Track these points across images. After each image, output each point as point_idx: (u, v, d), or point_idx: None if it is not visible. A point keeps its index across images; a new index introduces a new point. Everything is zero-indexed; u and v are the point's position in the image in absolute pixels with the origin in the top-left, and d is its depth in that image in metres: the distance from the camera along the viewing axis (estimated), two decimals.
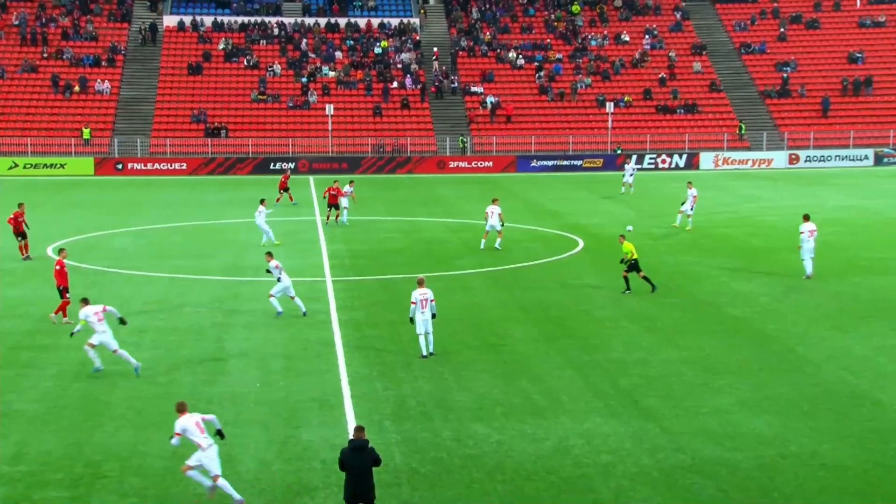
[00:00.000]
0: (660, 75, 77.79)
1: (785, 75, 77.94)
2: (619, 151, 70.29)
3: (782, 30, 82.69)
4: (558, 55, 79.55)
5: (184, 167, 67.80)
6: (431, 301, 22.45)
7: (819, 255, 31.58)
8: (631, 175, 55.79)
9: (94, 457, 17.00)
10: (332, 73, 76.58)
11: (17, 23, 77.67)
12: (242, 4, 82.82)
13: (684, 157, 71.29)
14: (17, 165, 66.58)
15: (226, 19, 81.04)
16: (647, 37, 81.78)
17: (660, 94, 76.41)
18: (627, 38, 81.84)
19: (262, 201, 39.26)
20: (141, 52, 77.70)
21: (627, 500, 15.44)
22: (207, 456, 15.10)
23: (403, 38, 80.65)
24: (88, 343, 21.43)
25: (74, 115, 70.91)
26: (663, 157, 70.89)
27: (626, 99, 75.38)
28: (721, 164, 71.18)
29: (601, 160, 70.18)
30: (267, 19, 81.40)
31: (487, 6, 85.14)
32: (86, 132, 68.87)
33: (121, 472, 16.38)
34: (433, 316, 22.49)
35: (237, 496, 15.09)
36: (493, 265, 33.94)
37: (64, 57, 75.39)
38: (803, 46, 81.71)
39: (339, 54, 78.62)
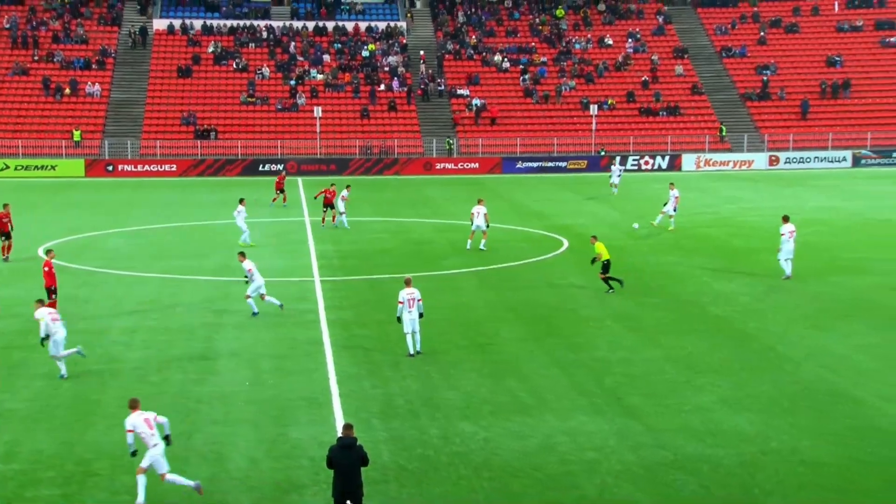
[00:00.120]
0: (643, 78, 78.26)
1: (765, 78, 78.61)
2: (602, 153, 70.80)
3: (762, 34, 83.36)
4: (543, 58, 79.92)
5: (174, 169, 67.84)
6: (419, 300, 22.67)
7: (799, 256, 31.92)
8: (618, 176, 56.24)
9: (85, 455, 17.10)
10: (320, 76, 76.73)
11: (7, 26, 77.61)
12: (231, 8, 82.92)
13: (667, 158, 71.80)
14: (8, 167, 66.65)
15: (215, 23, 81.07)
16: (630, 40, 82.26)
17: (643, 97, 76.88)
18: (611, 42, 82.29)
19: (241, 201, 39.41)
20: (131, 55, 77.67)
21: (611, 496, 15.61)
22: (154, 454, 15.21)
23: (390, 42, 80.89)
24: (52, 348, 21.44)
25: (65, 118, 70.85)
26: (646, 158, 71.40)
27: (609, 101, 75.81)
28: (703, 166, 71.74)
29: (585, 162, 70.71)
30: (256, 23, 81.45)
31: (473, 10, 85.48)
32: (76, 134, 68.82)
33: (112, 470, 16.49)
34: (420, 315, 22.71)
35: (192, 482, 15.24)
36: (479, 265, 34.20)
37: (55, 60, 75.32)
38: (783, 50, 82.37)
39: (326, 57, 78.78)
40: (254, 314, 26.61)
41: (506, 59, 79.32)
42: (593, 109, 72.82)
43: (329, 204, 43.19)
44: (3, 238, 35.10)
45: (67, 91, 72.64)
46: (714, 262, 34.62)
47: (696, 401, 19.85)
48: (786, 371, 21.83)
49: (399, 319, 22.75)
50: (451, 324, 25.84)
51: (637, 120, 75.40)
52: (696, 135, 74.17)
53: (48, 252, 27.87)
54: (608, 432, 18.13)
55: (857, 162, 72.91)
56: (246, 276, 27.03)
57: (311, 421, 18.80)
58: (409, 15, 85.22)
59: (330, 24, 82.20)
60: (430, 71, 78.18)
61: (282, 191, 51.19)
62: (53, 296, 26.30)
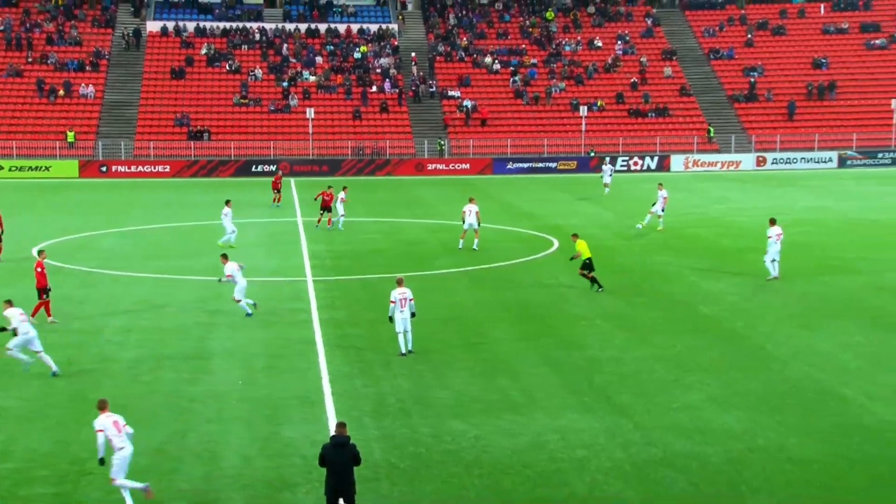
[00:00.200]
0: (632, 80, 78.56)
1: (752, 80, 79.05)
2: (592, 154, 71.12)
3: (749, 36, 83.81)
4: (533, 60, 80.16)
5: (167, 170, 67.97)
6: (410, 300, 22.80)
7: (787, 256, 32.13)
8: (610, 176, 56.52)
9: (79, 454, 17.13)
10: (312, 78, 76.84)
11: (1, 28, 77.63)
12: (224, 10, 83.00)
13: (655, 159, 72.13)
14: (2, 168, 66.79)
15: (208, 25, 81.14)
16: (619, 42, 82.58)
17: (632, 98, 77.20)
18: (600, 44, 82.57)
19: (227, 202, 39.47)
20: (125, 56, 77.74)
21: (601, 493, 15.73)
22: (120, 457, 15.14)
23: (382, 44, 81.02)
24: (8, 346, 21.47)
25: (59, 119, 70.92)
26: (635, 159, 71.72)
27: (599, 103, 76.08)
28: (691, 167, 72.12)
29: (575, 162, 71.05)
30: (248, 25, 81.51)
31: (464, 13, 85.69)
32: (70, 135, 68.85)
33: (106, 469, 16.54)
34: (412, 315, 22.83)
35: (140, 484, 15.21)
36: (471, 265, 34.34)
37: (48, 61, 75.35)
38: (770, 52, 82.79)
39: (319, 59, 78.90)
40: (247, 315, 26.73)
41: (496, 61, 79.54)
42: (583, 111, 73.14)
43: (327, 207, 42.91)
44: None
45: (61, 92, 72.67)
46: (703, 262, 34.82)
47: (685, 399, 19.99)
48: (773, 370, 21.97)
49: (391, 319, 22.87)
50: (442, 323, 25.93)
51: (626, 121, 75.69)
52: (685, 136, 74.53)
53: (40, 253, 27.93)
54: (598, 430, 18.24)
55: (842, 162, 73.41)
56: (221, 278, 27.17)
57: (303, 420, 18.89)
58: (400, 17, 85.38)
59: (322, 27, 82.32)
60: (422, 73, 78.36)
61: (278, 191, 51.30)
62: (46, 296, 26.35)
